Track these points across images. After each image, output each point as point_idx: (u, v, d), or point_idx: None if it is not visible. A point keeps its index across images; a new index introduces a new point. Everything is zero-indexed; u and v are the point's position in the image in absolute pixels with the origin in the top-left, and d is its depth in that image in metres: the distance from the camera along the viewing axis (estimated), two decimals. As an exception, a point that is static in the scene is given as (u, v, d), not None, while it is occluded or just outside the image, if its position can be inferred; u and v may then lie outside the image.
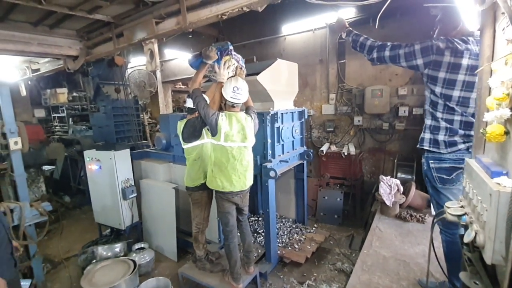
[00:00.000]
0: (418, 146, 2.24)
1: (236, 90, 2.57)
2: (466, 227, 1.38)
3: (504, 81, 1.26)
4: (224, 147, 2.59)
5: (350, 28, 2.48)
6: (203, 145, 2.96)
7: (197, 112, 2.97)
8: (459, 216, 1.42)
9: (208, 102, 2.67)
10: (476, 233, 1.24)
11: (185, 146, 2.93)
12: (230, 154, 2.60)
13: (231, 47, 2.77)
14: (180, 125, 2.95)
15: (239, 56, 2.91)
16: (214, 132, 2.58)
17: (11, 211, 2.73)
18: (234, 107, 2.64)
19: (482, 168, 1.37)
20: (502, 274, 1.21)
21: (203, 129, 2.88)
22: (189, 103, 3.00)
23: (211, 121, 2.53)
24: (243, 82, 2.66)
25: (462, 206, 1.48)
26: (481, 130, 1.44)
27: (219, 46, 2.74)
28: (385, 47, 2.23)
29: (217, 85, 2.75)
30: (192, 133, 2.86)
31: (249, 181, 2.79)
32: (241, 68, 2.91)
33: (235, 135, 2.59)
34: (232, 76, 2.78)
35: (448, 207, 1.50)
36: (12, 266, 2.17)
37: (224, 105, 2.75)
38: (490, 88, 1.45)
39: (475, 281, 1.35)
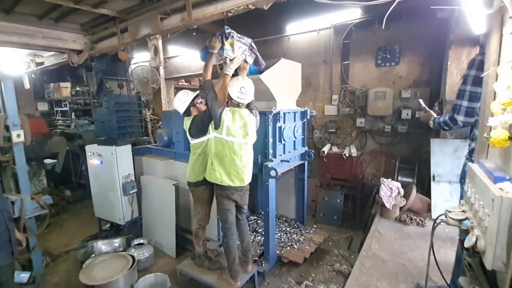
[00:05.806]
0: (468, 156, 2.16)
1: (243, 90, 2.62)
2: (467, 232, 1.37)
3: (509, 86, 1.25)
4: (226, 141, 2.64)
5: (435, 116, 2.56)
6: (209, 140, 2.96)
7: (192, 108, 2.95)
8: (460, 220, 1.42)
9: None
10: (477, 238, 1.23)
11: (193, 141, 2.94)
12: (230, 148, 2.65)
13: (228, 30, 2.72)
14: (187, 121, 2.95)
15: (246, 39, 2.89)
16: (217, 125, 2.63)
17: (12, 203, 2.74)
18: (239, 106, 2.68)
19: (485, 173, 1.36)
20: (502, 280, 1.20)
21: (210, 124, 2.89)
22: (176, 106, 2.98)
23: (216, 113, 2.59)
24: (250, 83, 2.70)
25: (463, 211, 1.47)
26: (485, 135, 1.43)
27: (218, 34, 2.74)
28: (458, 104, 2.15)
29: (224, 80, 2.77)
30: (201, 129, 2.87)
31: (248, 178, 2.81)
32: (245, 61, 2.93)
33: (237, 130, 2.64)
34: (238, 76, 2.81)
35: (449, 212, 1.49)
36: (9, 253, 2.18)
37: (227, 103, 2.77)
38: (495, 92, 1.44)
39: (475, 286, 1.35)
